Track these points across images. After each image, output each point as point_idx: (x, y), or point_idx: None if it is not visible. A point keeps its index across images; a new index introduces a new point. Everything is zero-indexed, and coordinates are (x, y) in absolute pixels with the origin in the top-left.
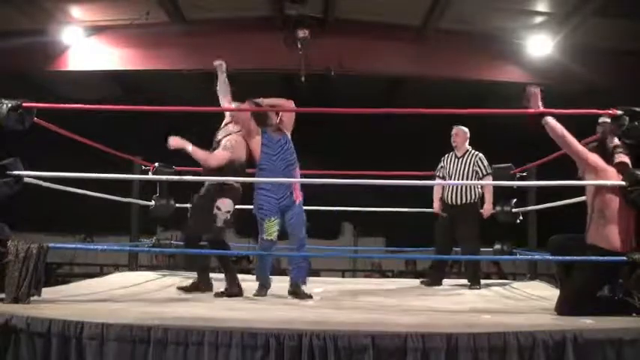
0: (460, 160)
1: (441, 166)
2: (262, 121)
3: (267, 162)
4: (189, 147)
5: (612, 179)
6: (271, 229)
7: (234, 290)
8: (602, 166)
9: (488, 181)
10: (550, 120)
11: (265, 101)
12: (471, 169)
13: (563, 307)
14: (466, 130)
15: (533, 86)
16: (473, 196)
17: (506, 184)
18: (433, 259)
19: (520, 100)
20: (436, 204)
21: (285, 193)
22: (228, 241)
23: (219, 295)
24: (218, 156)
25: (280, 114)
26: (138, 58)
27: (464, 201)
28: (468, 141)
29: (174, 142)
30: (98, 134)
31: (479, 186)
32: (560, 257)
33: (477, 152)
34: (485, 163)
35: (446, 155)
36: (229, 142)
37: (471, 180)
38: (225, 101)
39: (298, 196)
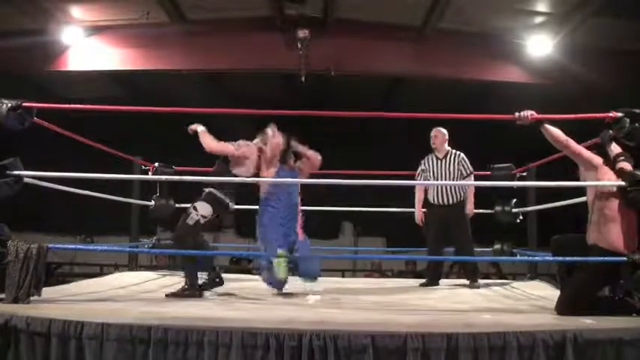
0: (443, 161)
1: (422, 169)
2: (284, 158)
3: (274, 202)
4: (200, 127)
5: (611, 178)
6: (282, 265)
7: (191, 292)
8: (602, 164)
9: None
10: (548, 127)
11: (298, 146)
12: (456, 168)
13: (564, 307)
14: (445, 131)
15: (517, 114)
16: (461, 195)
17: (506, 184)
18: (430, 260)
19: (520, 105)
20: (418, 213)
21: (292, 227)
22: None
23: (170, 295)
24: (222, 144)
25: (302, 161)
26: (138, 58)
27: (454, 200)
28: (447, 142)
29: (193, 126)
30: (98, 134)
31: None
32: (561, 258)
33: (458, 152)
34: (468, 162)
35: (426, 158)
36: (243, 141)
37: (457, 180)
38: (231, 147)
39: (301, 233)
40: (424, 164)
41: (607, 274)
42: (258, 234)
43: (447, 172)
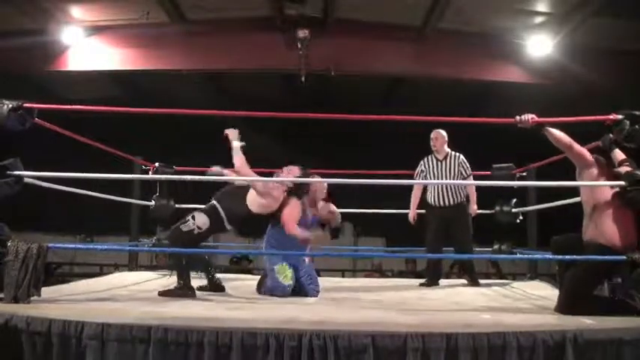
0: (443, 162)
1: (421, 170)
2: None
3: (289, 240)
4: (236, 143)
5: (606, 178)
6: (286, 271)
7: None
8: (599, 165)
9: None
10: (551, 129)
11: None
12: (456, 170)
13: (563, 306)
14: (444, 133)
15: (517, 118)
16: (461, 196)
17: (506, 184)
18: (430, 260)
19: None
20: (412, 212)
21: (298, 258)
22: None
23: (162, 293)
24: (251, 175)
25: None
26: (138, 58)
27: (454, 201)
28: (447, 144)
29: (231, 133)
30: (98, 134)
31: (465, 186)
32: (560, 257)
33: (458, 154)
34: (468, 164)
35: (425, 159)
36: (277, 189)
37: (458, 181)
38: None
39: (308, 259)
40: (423, 165)
41: (605, 271)
42: (266, 265)
43: (447, 173)
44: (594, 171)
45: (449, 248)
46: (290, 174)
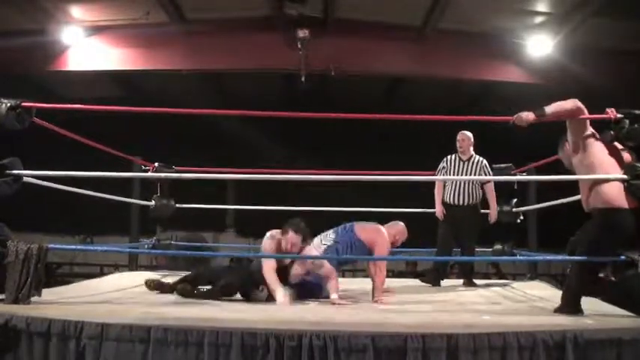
0: (466, 163)
1: (443, 167)
2: None
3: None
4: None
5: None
6: None
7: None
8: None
9: (490, 181)
10: (548, 110)
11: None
12: (477, 173)
13: (573, 286)
14: (470, 134)
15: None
16: (477, 198)
17: (510, 179)
18: (434, 260)
19: (520, 105)
20: (439, 207)
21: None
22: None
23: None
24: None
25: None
26: (138, 58)
27: (470, 201)
28: (472, 145)
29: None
30: (98, 134)
31: (480, 189)
32: (560, 257)
33: (482, 158)
34: (490, 169)
35: (448, 157)
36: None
37: (477, 184)
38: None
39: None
40: (446, 162)
41: (615, 235)
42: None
43: (469, 174)
44: (591, 137)
45: (457, 249)
46: (293, 245)
